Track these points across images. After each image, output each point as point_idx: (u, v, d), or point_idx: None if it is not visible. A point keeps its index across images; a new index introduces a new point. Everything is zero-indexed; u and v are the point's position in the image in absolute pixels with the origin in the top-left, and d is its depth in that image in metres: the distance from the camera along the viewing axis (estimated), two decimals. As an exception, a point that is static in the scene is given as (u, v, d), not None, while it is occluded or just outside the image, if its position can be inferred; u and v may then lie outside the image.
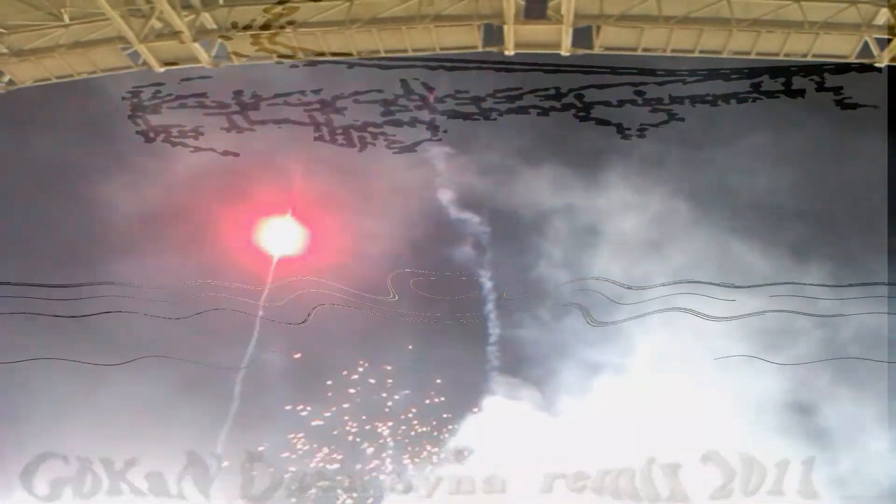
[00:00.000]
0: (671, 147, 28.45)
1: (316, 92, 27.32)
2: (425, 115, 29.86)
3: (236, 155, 34.28)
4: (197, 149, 31.41)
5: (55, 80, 18.73)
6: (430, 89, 27.72)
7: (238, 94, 27.09)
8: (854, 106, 25.44)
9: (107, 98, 25.81)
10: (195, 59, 18.03)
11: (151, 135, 30.58)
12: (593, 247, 28.85)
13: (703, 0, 17.04)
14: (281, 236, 29.30)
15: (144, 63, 18.07)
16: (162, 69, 18.17)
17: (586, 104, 29.15)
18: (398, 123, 30.26)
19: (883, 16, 16.75)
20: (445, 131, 30.12)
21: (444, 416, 28.66)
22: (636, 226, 29.04)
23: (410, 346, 28.65)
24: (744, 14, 17.13)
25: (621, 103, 28.84)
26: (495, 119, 30.97)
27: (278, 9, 17.42)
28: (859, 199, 27.53)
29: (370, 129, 30.94)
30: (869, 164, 26.73)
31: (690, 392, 26.42)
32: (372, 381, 28.58)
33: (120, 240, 27.57)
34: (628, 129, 30.39)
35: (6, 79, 18.75)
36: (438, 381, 28.65)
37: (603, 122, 29.97)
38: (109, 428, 25.25)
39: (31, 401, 26.45)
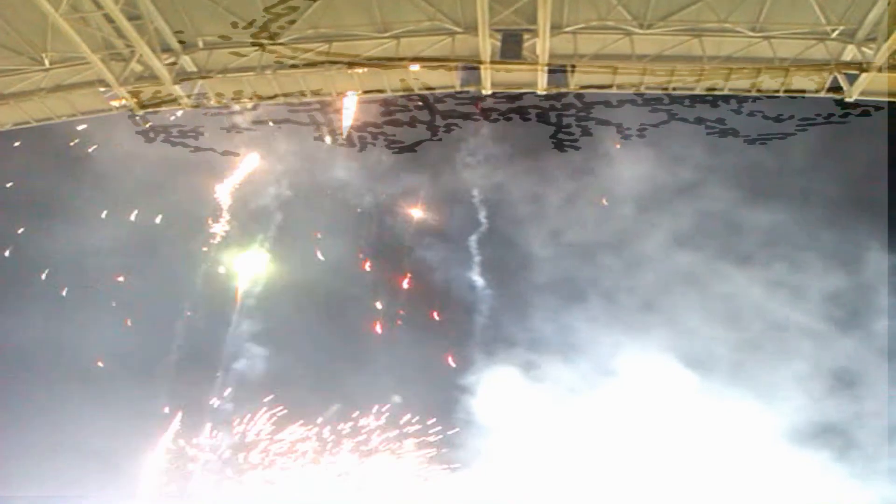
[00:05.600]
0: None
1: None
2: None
3: (236, 155, 34.79)
4: (197, 149, 31.83)
5: (35, 124, 18.84)
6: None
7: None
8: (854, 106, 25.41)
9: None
10: (175, 101, 18.21)
11: (151, 135, 30.99)
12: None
13: (675, 38, 17.15)
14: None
15: (125, 105, 18.20)
16: (142, 111, 18.36)
17: (586, 104, 29.31)
18: (398, 123, 30.58)
19: (850, 52, 16.86)
20: (445, 131, 30.45)
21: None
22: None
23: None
24: (715, 51, 17.23)
25: (621, 103, 29.01)
26: (497, 120, 31.24)
27: (258, 52, 17.62)
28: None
29: (370, 128, 31.31)
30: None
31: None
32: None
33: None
34: (628, 129, 30.69)
35: (-15, 122, 18.80)
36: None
37: (603, 122, 30.23)
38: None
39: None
